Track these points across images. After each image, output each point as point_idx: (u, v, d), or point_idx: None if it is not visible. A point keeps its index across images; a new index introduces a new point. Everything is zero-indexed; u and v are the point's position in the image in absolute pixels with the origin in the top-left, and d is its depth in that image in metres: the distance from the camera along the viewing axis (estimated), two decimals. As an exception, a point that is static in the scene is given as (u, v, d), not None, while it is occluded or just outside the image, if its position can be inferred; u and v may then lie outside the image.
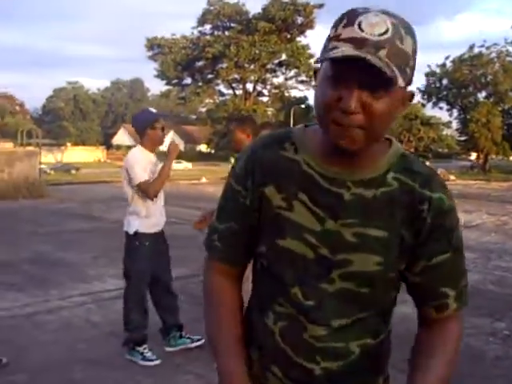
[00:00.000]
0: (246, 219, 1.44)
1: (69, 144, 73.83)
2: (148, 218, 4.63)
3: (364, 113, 1.21)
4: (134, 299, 4.72)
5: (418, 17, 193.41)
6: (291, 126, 53.87)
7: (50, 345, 5.06)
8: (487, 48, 52.32)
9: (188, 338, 5.01)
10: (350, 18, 1.21)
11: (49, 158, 52.54)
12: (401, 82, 1.19)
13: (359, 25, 1.18)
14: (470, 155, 62.69)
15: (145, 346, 4.74)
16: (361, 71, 1.17)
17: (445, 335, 1.45)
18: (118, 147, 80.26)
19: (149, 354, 4.71)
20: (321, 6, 53.53)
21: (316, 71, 1.34)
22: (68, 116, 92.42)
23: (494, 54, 52.41)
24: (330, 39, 1.24)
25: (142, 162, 4.57)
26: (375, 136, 1.27)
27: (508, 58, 52.92)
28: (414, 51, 1.24)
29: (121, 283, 5.09)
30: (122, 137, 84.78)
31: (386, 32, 1.18)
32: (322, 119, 1.27)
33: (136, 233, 4.61)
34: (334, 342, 1.38)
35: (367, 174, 1.35)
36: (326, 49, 1.24)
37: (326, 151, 1.34)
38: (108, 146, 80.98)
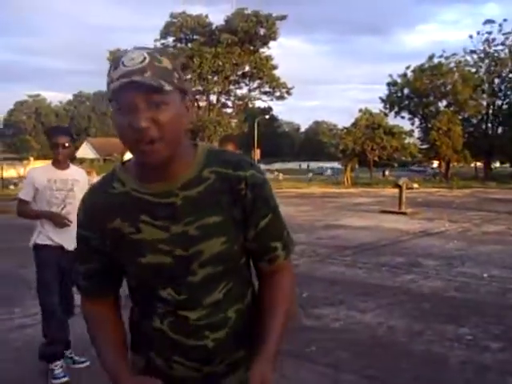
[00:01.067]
0: (102, 257, 1.69)
1: (31, 158, 72.77)
2: (43, 231, 4.63)
3: (155, 126, 1.46)
4: (45, 313, 4.66)
5: (380, 28, 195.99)
6: (255, 136, 53.33)
7: (11, 363, 4.99)
8: (446, 58, 53.21)
9: (71, 358, 4.92)
10: (115, 62, 1.48)
11: (10, 172, 51.70)
12: (167, 87, 1.45)
13: (123, 63, 1.45)
14: (432, 163, 63.51)
15: (56, 362, 4.63)
16: (137, 95, 1.44)
17: (279, 281, 1.76)
18: (82, 161, 79.42)
19: (57, 372, 4.61)
20: (283, 17, 53.86)
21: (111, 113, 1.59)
22: (30, 130, 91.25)
23: (452, 64, 53.29)
24: (108, 84, 1.49)
25: (31, 180, 4.65)
26: (173, 142, 1.51)
27: (467, 68, 53.89)
28: (176, 66, 1.53)
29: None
30: (85, 150, 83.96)
31: (144, 60, 1.45)
32: (126, 144, 1.51)
33: (34, 245, 4.68)
34: (214, 315, 1.66)
35: (186, 178, 1.60)
36: (108, 92, 1.49)
37: (145, 173, 1.60)
38: (71, 159, 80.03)
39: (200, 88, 55.08)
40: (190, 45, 55.23)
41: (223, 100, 58.92)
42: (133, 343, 1.83)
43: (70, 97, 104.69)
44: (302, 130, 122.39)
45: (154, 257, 1.61)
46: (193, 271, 1.63)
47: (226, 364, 1.73)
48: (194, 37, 55.24)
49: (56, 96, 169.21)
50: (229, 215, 1.63)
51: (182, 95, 1.53)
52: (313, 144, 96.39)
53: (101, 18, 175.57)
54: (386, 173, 55.25)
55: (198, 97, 56.64)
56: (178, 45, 56.06)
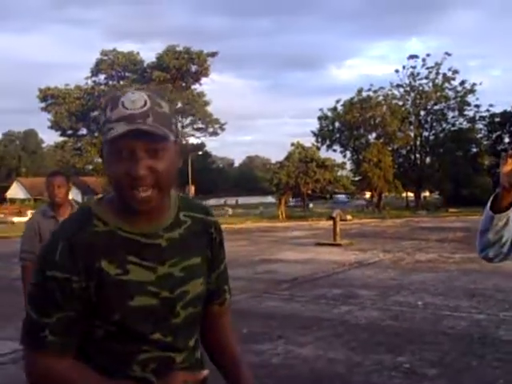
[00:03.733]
0: (82, 302, 1.49)
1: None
2: None
3: (152, 174, 1.44)
4: None
5: (310, 63, 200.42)
6: (189, 173, 53.13)
7: None
8: (374, 91, 54.83)
9: None
10: (114, 101, 1.44)
11: None
12: (172, 137, 1.47)
13: (123, 104, 1.42)
14: (364, 194, 64.73)
15: None
16: (137, 142, 1.41)
17: (228, 322, 1.84)
18: (12, 201, 77.42)
19: None
20: (214, 54, 54.60)
21: (101, 153, 1.55)
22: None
23: (381, 97, 54.93)
24: (104, 123, 1.45)
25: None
26: (166, 190, 1.52)
27: (394, 101, 55.59)
28: (172, 110, 1.53)
29: (17, 346, 4.86)
30: (15, 190, 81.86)
31: (145, 104, 1.43)
32: (119, 189, 1.47)
33: None
34: (192, 357, 1.67)
35: (168, 220, 1.60)
36: (103, 132, 1.45)
37: (131, 214, 1.53)
38: (1, 199, 77.86)
39: (132, 125, 54.76)
40: (121, 82, 55.08)
41: (156, 137, 58.77)
42: None
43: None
44: (236, 164, 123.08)
45: (142, 299, 1.53)
46: (177, 313, 1.60)
47: None
48: (126, 74, 55.19)
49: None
50: (205, 257, 1.68)
51: (175, 139, 1.51)
52: (247, 179, 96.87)
53: (29, 56, 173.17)
54: (311, 205, 55.71)
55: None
56: (110, 82, 55.87)
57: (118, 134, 1.39)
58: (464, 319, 8.03)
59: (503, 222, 2.07)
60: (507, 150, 2.02)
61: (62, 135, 57.47)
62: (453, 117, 57.57)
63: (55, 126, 55.77)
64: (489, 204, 2.11)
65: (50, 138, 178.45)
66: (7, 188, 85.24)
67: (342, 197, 68.75)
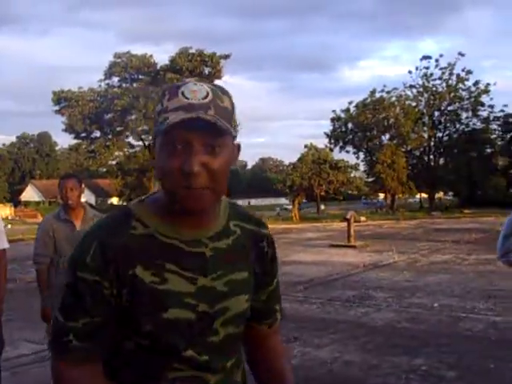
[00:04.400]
0: (109, 309, 1.40)
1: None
2: None
3: (206, 172, 1.31)
4: None
5: (323, 64, 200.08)
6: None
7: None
8: (387, 92, 54.60)
9: None
10: (172, 90, 1.34)
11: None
12: (233, 132, 1.34)
13: (183, 93, 1.31)
14: (378, 196, 64.55)
15: None
16: (195, 134, 1.29)
17: (278, 342, 1.71)
18: (27, 203, 77.96)
19: None
20: (227, 56, 54.55)
21: (150, 146, 1.44)
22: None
23: (394, 98, 54.70)
24: (159, 113, 1.34)
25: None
26: (220, 192, 1.38)
27: (407, 102, 55.35)
28: (233, 108, 1.39)
29: (37, 347, 4.92)
30: (30, 193, 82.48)
31: (207, 95, 1.32)
32: (169, 187, 1.35)
33: None
34: (228, 380, 1.52)
35: (216, 228, 1.47)
36: (157, 123, 1.34)
37: (175, 217, 1.41)
38: (16, 202, 78.45)
39: (146, 127, 54.96)
40: (135, 84, 55.24)
41: (170, 139, 58.83)
42: None
43: (13, 139, 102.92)
44: (249, 166, 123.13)
45: (177, 311, 1.40)
46: (215, 330, 1.46)
47: None
48: (139, 76, 55.32)
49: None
50: (253, 272, 1.54)
51: (232, 140, 1.39)
52: (260, 181, 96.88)
53: (44, 59, 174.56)
54: (322, 207, 55.41)
55: (143, 136, 56.52)
56: (123, 85, 56.00)
57: (174, 122, 1.27)
58: (481, 321, 7.98)
59: None
60: None
61: (75, 138, 57.58)
62: (467, 117, 57.20)
63: (69, 128, 55.91)
64: None
65: (64, 140, 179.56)
66: (22, 191, 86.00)
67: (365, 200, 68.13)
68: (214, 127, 1.29)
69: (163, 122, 1.30)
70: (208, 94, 1.32)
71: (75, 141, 58.37)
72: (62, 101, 55.14)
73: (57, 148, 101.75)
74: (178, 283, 1.41)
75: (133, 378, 1.46)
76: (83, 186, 4.69)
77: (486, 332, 7.37)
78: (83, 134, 56.91)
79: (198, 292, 1.42)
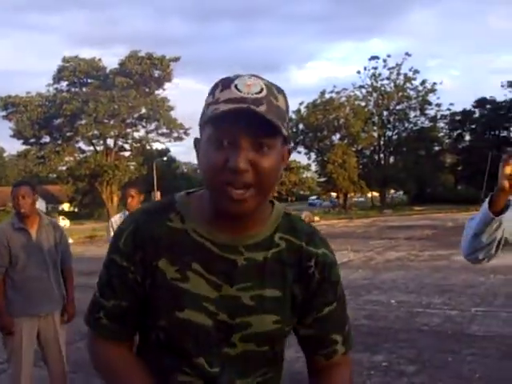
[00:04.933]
0: (135, 296, 1.38)
1: None
2: None
3: (253, 170, 1.22)
4: None
5: (273, 66, 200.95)
6: (155, 179, 52.35)
7: None
8: (337, 93, 55.36)
9: None
10: (226, 82, 1.26)
11: None
12: (284, 132, 1.24)
13: (236, 86, 1.23)
14: (330, 195, 65.17)
15: None
16: (243, 129, 1.21)
17: (338, 378, 1.50)
18: (-26, 212, 76.00)
19: None
20: (177, 59, 54.40)
21: (196, 142, 1.36)
22: None
23: (343, 99, 55.44)
24: (208, 104, 1.26)
25: None
26: (265, 194, 1.28)
27: (357, 102, 56.12)
28: (288, 108, 1.31)
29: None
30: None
31: (261, 91, 1.23)
32: (212, 183, 1.26)
33: None
34: None
35: (257, 237, 1.37)
36: (204, 115, 1.27)
37: (215, 217, 1.34)
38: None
39: (96, 132, 54.32)
40: (84, 89, 54.55)
41: (120, 143, 58.37)
42: None
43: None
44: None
45: (194, 314, 1.34)
46: (232, 343, 1.37)
47: None
48: (89, 80, 54.66)
49: None
50: (289, 292, 1.39)
51: (283, 141, 1.29)
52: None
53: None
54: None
55: (94, 141, 55.84)
56: (72, 89, 55.25)
57: (223, 110, 1.19)
58: (437, 316, 8.14)
59: (497, 224, 2.08)
60: (507, 151, 2.02)
61: (24, 143, 56.53)
62: (415, 116, 58.55)
63: (17, 134, 54.82)
64: (486, 206, 2.07)
65: (11, 146, 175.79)
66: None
67: (313, 199, 68.86)
68: (265, 123, 1.20)
69: (210, 113, 1.24)
70: (262, 89, 1.24)
71: (24, 147, 57.25)
72: (9, 106, 54.06)
73: (5, 154, 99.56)
74: (199, 285, 1.34)
75: (153, 371, 1.42)
76: (36, 193, 4.57)
77: (442, 326, 7.52)
78: (32, 140, 55.92)
79: (220, 300, 1.34)
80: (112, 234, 5.19)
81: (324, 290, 1.43)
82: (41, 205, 76.34)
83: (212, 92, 1.27)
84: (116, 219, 5.56)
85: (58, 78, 54.64)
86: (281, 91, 1.30)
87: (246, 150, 1.21)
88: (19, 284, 4.36)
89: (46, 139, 56.48)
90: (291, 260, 1.39)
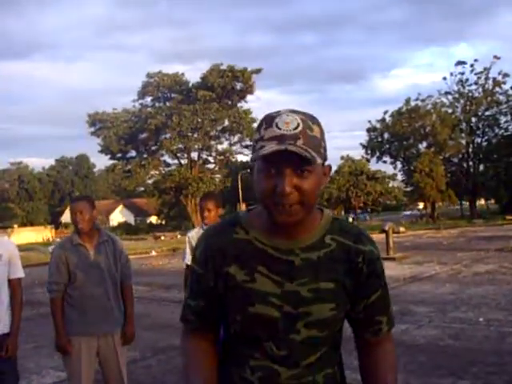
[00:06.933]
0: (211, 297, 1.74)
1: (15, 225, 72.14)
2: None
3: (297, 192, 1.55)
4: None
5: (356, 75, 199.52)
6: (240, 190, 53.17)
7: None
8: (422, 100, 53.86)
9: None
10: (268, 121, 1.57)
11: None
12: (319, 160, 1.54)
13: (276, 125, 1.54)
14: (417, 205, 63.66)
15: None
16: (287, 160, 1.52)
17: (384, 351, 1.83)
18: (67, 225, 78.82)
19: None
20: (258, 71, 54.62)
21: (251, 167, 1.68)
22: (13, 197, 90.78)
23: (429, 106, 53.95)
24: (256, 141, 1.58)
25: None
26: (309, 207, 1.61)
27: (443, 109, 54.53)
28: (322, 134, 1.61)
29: (62, 375, 4.68)
30: (69, 215, 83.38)
31: (297, 126, 1.53)
32: (265, 204, 1.60)
33: None
34: (304, 377, 1.69)
35: (309, 240, 1.69)
36: (255, 149, 1.58)
37: (272, 228, 1.67)
38: (56, 224, 79.41)
39: (181, 146, 55.26)
40: (168, 103, 55.66)
41: (204, 156, 59.15)
42: None
43: (52, 162, 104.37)
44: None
45: (263, 308, 1.66)
46: (297, 330, 1.67)
47: None
48: (172, 95, 55.74)
49: (39, 162, 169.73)
50: (341, 284, 1.70)
51: (322, 162, 1.60)
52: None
53: (78, 83, 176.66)
54: (349, 219, 54.93)
55: (179, 154, 56.77)
56: (156, 104, 56.51)
57: (267, 153, 1.51)
58: (531, 336, 7.49)
59: None
60: None
61: (111, 158, 58.27)
62: (506, 121, 56.01)
63: (105, 149, 56.59)
64: None
65: (101, 161, 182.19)
66: (61, 213, 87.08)
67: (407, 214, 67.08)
68: (304, 158, 1.50)
69: (259, 149, 1.54)
70: (299, 124, 1.54)
71: (111, 161, 59.01)
72: (97, 123, 55.93)
73: (94, 169, 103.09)
74: (265, 284, 1.67)
75: (229, 358, 1.78)
76: (95, 209, 4.42)
77: (536, 348, 6.89)
78: (119, 155, 57.57)
79: (283, 294, 1.66)
80: (187, 248, 5.25)
81: (371, 281, 1.74)
82: (129, 218, 78.49)
83: (258, 129, 1.59)
84: (193, 234, 5.53)
85: (142, 93, 56.03)
86: (315, 121, 1.60)
87: (290, 177, 1.54)
88: (77, 302, 4.29)
89: (132, 153, 58.03)
90: (341, 257, 1.70)
